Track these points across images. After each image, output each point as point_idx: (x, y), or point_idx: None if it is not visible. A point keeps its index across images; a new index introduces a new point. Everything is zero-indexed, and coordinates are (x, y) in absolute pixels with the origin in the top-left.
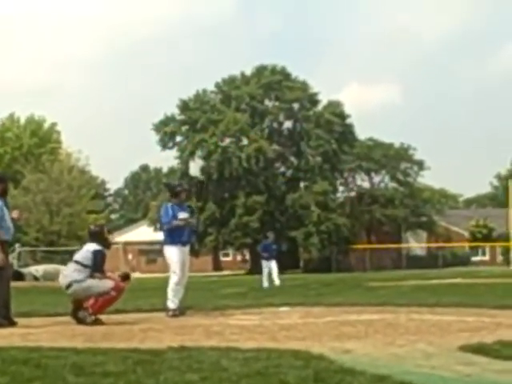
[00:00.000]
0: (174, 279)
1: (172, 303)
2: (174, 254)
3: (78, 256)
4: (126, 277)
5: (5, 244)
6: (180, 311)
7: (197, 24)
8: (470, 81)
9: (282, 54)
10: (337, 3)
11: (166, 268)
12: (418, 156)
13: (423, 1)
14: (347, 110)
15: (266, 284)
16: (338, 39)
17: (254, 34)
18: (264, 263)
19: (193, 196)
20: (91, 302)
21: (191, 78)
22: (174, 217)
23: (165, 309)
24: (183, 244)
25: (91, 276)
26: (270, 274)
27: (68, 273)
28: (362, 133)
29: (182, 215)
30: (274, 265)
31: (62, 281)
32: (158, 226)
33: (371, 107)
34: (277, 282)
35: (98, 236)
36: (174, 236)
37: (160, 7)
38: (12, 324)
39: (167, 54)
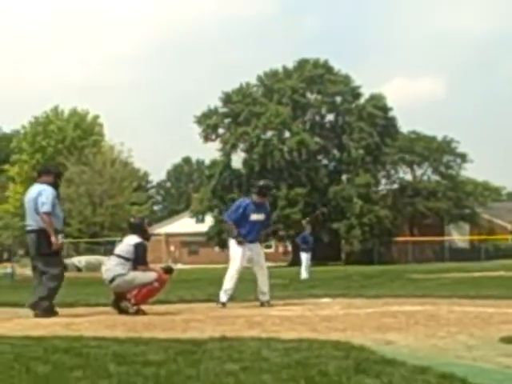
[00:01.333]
0: (230, 270)
1: (224, 294)
2: (235, 249)
3: (119, 249)
4: (168, 270)
5: (56, 233)
6: (263, 302)
7: (241, 20)
8: None
9: (326, 49)
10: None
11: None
12: (460, 149)
13: None
14: (391, 103)
15: (304, 275)
16: (384, 34)
17: (298, 30)
18: (303, 255)
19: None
20: (134, 292)
21: (234, 71)
22: (245, 217)
23: (215, 299)
24: (251, 242)
25: (134, 269)
26: (308, 266)
27: (111, 267)
28: (406, 126)
29: (256, 216)
30: (309, 257)
31: (105, 275)
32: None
33: (416, 101)
34: (305, 274)
35: (138, 228)
36: (240, 231)
37: (205, 4)
38: (54, 314)
39: (211, 48)
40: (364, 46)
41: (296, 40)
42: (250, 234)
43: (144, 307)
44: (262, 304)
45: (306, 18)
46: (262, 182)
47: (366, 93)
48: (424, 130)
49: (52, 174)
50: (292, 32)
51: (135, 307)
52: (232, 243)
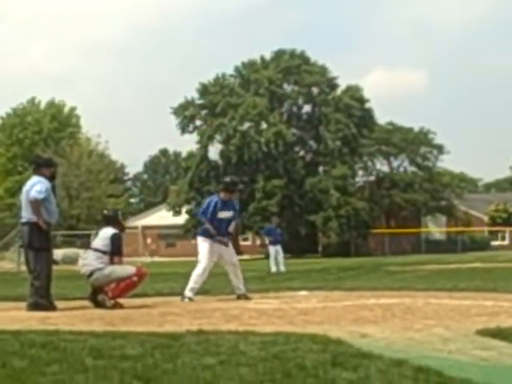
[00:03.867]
0: (198, 269)
1: (190, 291)
2: (203, 247)
3: (96, 243)
4: None
5: (48, 226)
6: (240, 295)
7: (219, 10)
8: (494, 67)
9: (305, 40)
10: None
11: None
12: (437, 140)
13: None
14: (371, 94)
15: (273, 268)
16: (364, 25)
17: (278, 21)
18: (270, 248)
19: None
20: (112, 285)
21: (211, 62)
22: (214, 215)
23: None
24: (213, 239)
25: (111, 261)
26: (276, 259)
27: (89, 261)
28: (386, 117)
29: (224, 214)
30: (279, 250)
31: (83, 269)
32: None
33: (396, 92)
34: (282, 268)
35: (112, 220)
36: (206, 231)
37: None
38: (53, 308)
39: (188, 38)
40: (344, 37)
41: (275, 31)
42: (218, 232)
43: (121, 300)
44: (239, 297)
45: (284, 8)
46: (228, 179)
47: (344, 84)
48: (403, 121)
49: (51, 167)
50: (270, 23)
51: (112, 301)
52: (200, 240)
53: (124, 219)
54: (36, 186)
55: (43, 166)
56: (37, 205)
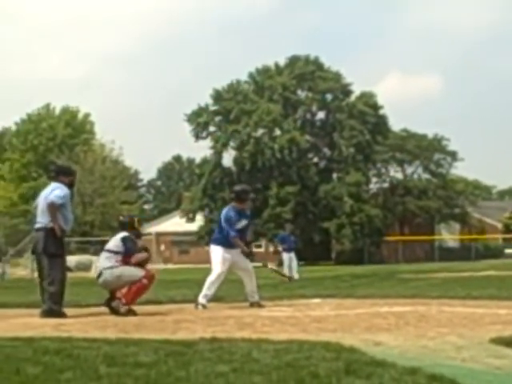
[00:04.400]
0: (212, 276)
1: (203, 298)
2: (216, 255)
3: (108, 245)
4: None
5: (63, 232)
6: (253, 303)
7: (233, 17)
8: (508, 72)
9: (319, 46)
10: None
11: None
12: (451, 147)
13: None
14: (385, 100)
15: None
16: (378, 31)
17: (292, 27)
18: (284, 255)
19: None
20: (124, 291)
21: (225, 68)
22: (234, 225)
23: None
24: (227, 247)
25: (124, 263)
26: (290, 266)
27: (99, 263)
28: (401, 124)
29: (241, 224)
30: (293, 257)
31: (95, 271)
32: (224, 225)
33: (410, 99)
34: (295, 275)
35: (128, 226)
36: (220, 238)
37: (196, 2)
38: (64, 315)
39: (201, 45)
40: (358, 43)
41: (289, 37)
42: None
43: (134, 307)
44: (252, 305)
45: (298, 14)
46: (238, 187)
47: (358, 90)
48: (418, 128)
49: (70, 175)
50: (284, 29)
51: (126, 307)
52: (214, 249)
53: (140, 225)
54: (56, 191)
55: (62, 174)
56: (54, 209)
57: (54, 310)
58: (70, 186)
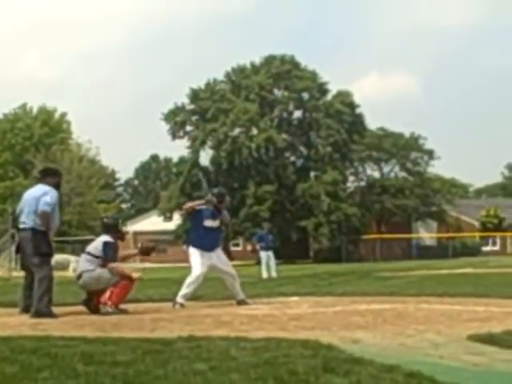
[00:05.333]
0: (191, 277)
1: (182, 298)
2: (195, 258)
3: (89, 247)
4: (146, 250)
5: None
6: (239, 301)
7: (209, 17)
8: (485, 73)
9: (295, 46)
10: None
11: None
12: (428, 146)
13: None
14: (364, 100)
15: (264, 275)
16: (357, 31)
17: (268, 27)
18: (262, 253)
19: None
20: (107, 295)
21: (201, 68)
22: (199, 223)
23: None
24: (204, 249)
25: (102, 266)
26: (268, 265)
27: (79, 264)
28: (378, 123)
29: (209, 222)
30: (271, 255)
31: (75, 273)
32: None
33: (387, 98)
34: (274, 273)
35: (112, 228)
36: (197, 240)
37: (172, 1)
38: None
39: (177, 45)
40: (337, 43)
41: (265, 36)
42: (207, 241)
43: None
44: (239, 303)
45: (274, 14)
46: (216, 190)
47: (335, 89)
48: (395, 126)
49: (57, 176)
50: (260, 28)
51: (114, 308)
52: (192, 252)
53: (122, 226)
54: (46, 197)
55: (49, 175)
56: (47, 217)
57: (43, 311)
58: (57, 187)
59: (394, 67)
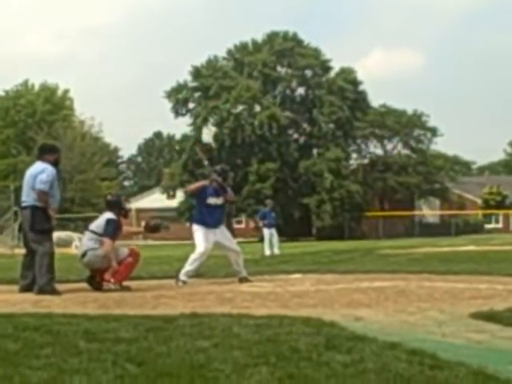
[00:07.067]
0: (195, 254)
1: (184, 275)
2: (198, 235)
3: (92, 225)
4: (154, 228)
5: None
6: (241, 278)
7: None
8: (489, 50)
9: (301, 22)
10: None
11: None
12: (431, 123)
13: None
14: (366, 77)
15: (267, 252)
16: (361, 8)
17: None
18: (265, 231)
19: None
20: (110, 271)
21: (204, 45)
22: (204, 200)
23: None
24: (208, 227)
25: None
26: (271, 242)
27: (83, 242)
28: (382, 100)
29: (212, 200)
30: (274, 233)
31: (78, 250)
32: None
33: (391, 75)
34: (276, 251)
35: (116, 205)
36: (201, 217)
37: None
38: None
39: (180, 21)
40: (340, 20)
41: (267, 12)
42: (211, 219)
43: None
44: (241, 280)
45: None
46: (219, 167)
47: (338, 67)
48: (399, 103)
49: (55, 152)
50: (263, 4)
51: (117, 285)
52: (196, 228)
53: (127, 202)
54: (42, 176)
55: (47, 152)
56: (45, 196)
57: (46, 289)
58: (55, 163)
59: (398, 44)
